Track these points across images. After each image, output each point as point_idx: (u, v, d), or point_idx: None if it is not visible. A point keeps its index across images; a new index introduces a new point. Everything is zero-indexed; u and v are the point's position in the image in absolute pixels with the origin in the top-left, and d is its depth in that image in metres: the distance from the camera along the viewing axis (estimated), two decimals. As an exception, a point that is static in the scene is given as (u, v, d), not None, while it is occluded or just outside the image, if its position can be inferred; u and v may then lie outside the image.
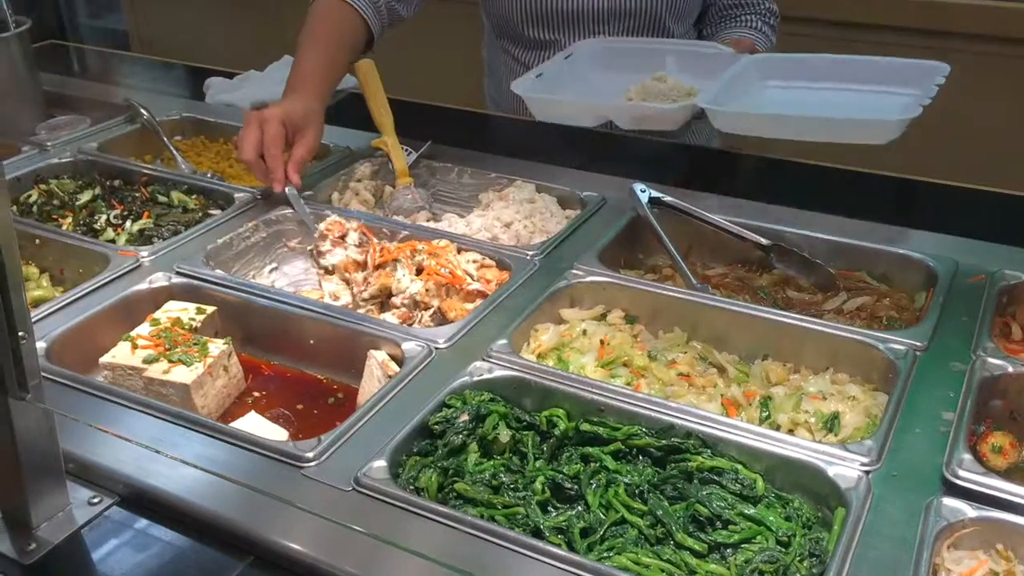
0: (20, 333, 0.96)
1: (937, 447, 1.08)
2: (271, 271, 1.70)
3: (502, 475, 1.10)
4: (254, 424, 1.27)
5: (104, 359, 1.33)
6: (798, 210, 1.65)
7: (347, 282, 1.51)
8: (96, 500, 1.10)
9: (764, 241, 1.56)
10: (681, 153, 2.08)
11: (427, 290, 1.42)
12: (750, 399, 1.26)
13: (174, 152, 2.07)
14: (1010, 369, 1.20)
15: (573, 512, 1.05)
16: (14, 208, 1.82)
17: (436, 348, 1.31)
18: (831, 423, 1.18)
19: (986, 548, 0.98)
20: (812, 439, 1.16)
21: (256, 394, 1.39)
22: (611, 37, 2.06)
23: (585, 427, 1.17)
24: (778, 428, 1.20)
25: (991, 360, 1.21)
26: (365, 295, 1.44)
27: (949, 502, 0.99)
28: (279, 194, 1.70)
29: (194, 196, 1.81)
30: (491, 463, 1.12)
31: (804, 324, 1.34)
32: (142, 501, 1.09)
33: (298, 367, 1.43)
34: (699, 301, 1.42)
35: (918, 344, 1.27)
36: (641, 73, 1.92)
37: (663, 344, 1.40)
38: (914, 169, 1.84)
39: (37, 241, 1.66)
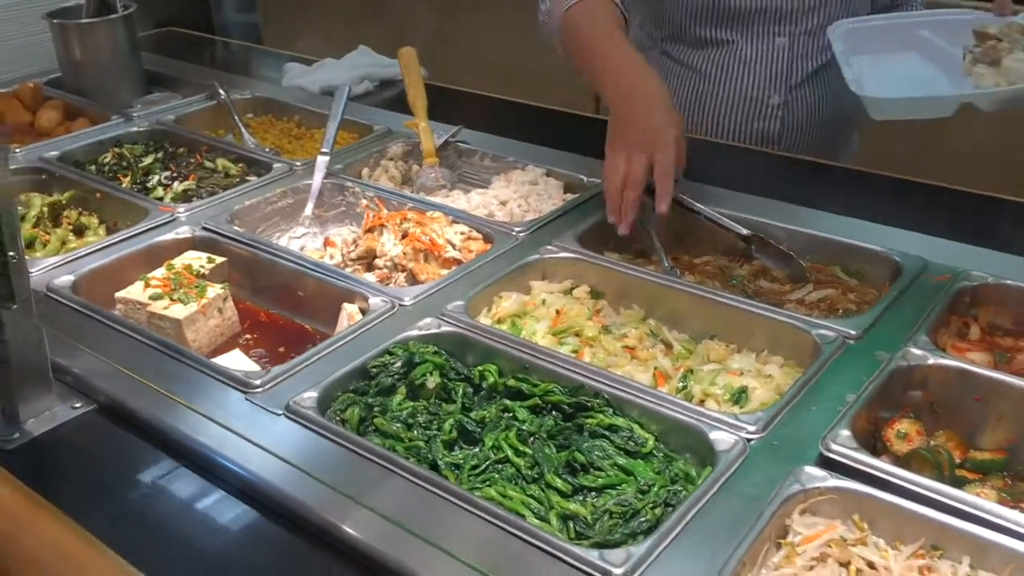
0: (11, 253, 1.15)
1: (826, 424, 1.12)
2: (303, 235, 1.86)
3: (420, 416, 1.21)
4: (234, 360, 1.43)
5: (119, 294, 1.52)
6: (786, 204, 1.68)
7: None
8: (79, 406, 1.28)
9: (744, 232, 1.60)
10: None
11: (405, 253, 1.54)
12: (679, 372, 1.32)
13: (241, 128, 2.27)
14: (930, 361, 1.21)
15: (471, 452, 1.15)
16: (92, 167, 2.06)
17: (400, 304, 1.43)
18: (738, 396, 1.23)
19: (844, 518, 1.02)
20: (719, 410, 1.21)
21: (248, 337, 1.55)
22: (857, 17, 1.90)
23: (511, 383, 1.27)
24: (691, 399, 1.25)
25: (913, 351, 1.23)
26: (352, 255, 1.58)
27: (810, 470, 1.04)
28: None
29: (240, 164, 2.01)
30: (413, 404, 1.23)
31: (748, 308, 1.39)
32: (115, 411, 1.27)
33: (290, 316, 1.59)
34: (658, 282, 1.49)
35: (852, 332, 1.30)
36: (892, 52, 1.78)
37: (620, 320, 1.48)
38: (912, 170, 1.83)
39: (98, 195, 1.89)
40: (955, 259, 1.47)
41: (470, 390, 1.28)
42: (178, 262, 1.59)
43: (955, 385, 1.20)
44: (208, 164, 1.99)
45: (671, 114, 1.54)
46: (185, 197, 1.89)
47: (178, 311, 1.46)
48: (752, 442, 1.11)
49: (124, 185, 1.94)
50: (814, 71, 1.97)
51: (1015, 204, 1.73)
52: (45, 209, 1.86)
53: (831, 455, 1.06)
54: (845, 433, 1.08)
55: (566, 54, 1.76)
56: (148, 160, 2.04)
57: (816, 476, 1.03)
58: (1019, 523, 0.97)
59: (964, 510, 0.99)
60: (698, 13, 1.94)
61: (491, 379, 1.27)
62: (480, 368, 1.30)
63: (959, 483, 1.11)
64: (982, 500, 1.01)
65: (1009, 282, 1.38)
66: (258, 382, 1.25)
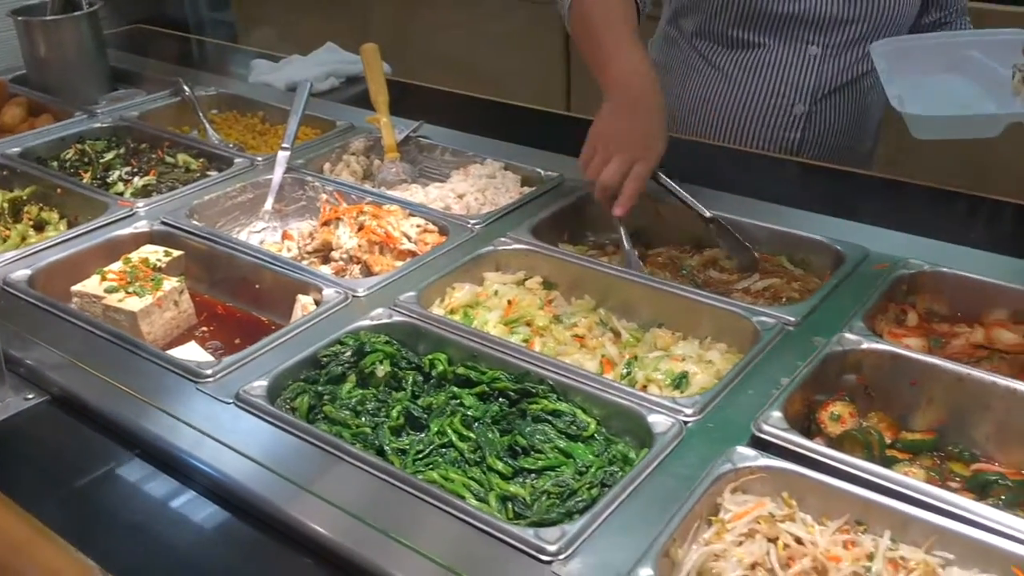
0: (-39, 245, 1.16)
1: (761, 407, 1.15)
2: (263, 230, 1.88)
3: (368, 403, 1.24)
4: (189, 352, 1.45)
5: (75, 287, 1.53)
6: (739, 197, 1.71)
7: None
8: (31, 397, 1.29)
9: (707, 213, 1.62)
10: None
11: (360, 246, 1.56)
12: (624, 359, 1.35)
13: (206, 124, 2.28)
14: (864, 346, 1.25)
15: (417, 437, 1.18)
16: (54, 163, 2.07)
17: (354, 295, 1.46)
18: (679, 381, 1.27)
19: (774, 496, 1.05)
20: (660, 394, 1.24)
21: (204, 329, 1.57)
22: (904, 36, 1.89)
23: (460, 370, 1.29)
24: (634, 384, 1.29)
25: (848, 336, 1.26)
26: (309, 248, 1.60)
27: (742, 450, 1.07)
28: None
29: (201, 160, 2.02)
30: (362, 392, 1.25)
31: (694, 297, 1.42)
32: (68, 402, 1.28)
33: (247, 309, 1.61)
34: (610, 273, 1.52)
35: (791, 319, 1.33)
36: (938, 73, 1.77)
37: (571, 309, 1.50)
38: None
39: (59, 191, 1.90)
40: (896, 248, 1.51)
41: (420, 378, 1.31)
42: (135, 256, 1.61)
43: (888, 369, 1.24)
44: (169, 159, 2.01)
45: (663, 125, 1.57)
46: (145, 192, 1.90)
47: (133, 304, 1.48)
48: (689, 424, 1.14)
49: (84, 181, 1.95)
50: (841, 85, 1.95)
51: (953, 194, 1.77)
52: (5, 205, 1.87)
53: (762, 436, 1.09)
54: (777, 415, 1.11)
55: (575, 39, 1.75)
56: (109, 156, 2.05)
57: (747, 456, 1.06)
58: (941, 499, 1.01)
59: (889, 487, 1.02)
60: (732, 13, 1.91)
61: (440, 367, 1.30)
62: (430, 357, 1.32)
63: (889, 463, 1.15)
64: (905, 477, 1.04)
65: (945, 270, 1.42)
66: (209, 372, 1.27)
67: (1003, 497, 1.10)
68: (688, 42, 2.05)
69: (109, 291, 1.50)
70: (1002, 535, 0.97)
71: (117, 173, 1.96)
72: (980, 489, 1.13)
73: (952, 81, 1.78)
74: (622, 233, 1.59)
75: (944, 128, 1.63)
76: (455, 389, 1.26)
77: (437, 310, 1.47)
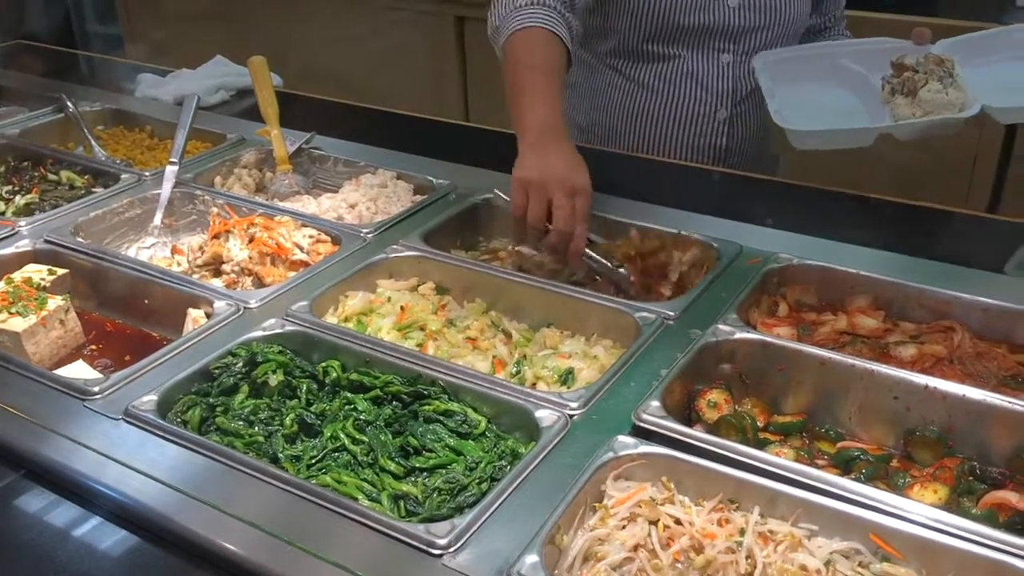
0: None
1: (641, 398, 1.21)
2: (152, 245, 1.86)
3: (262, 412, 1.25)
4: (76, 370, 1.43)
5: (-46, 310, 1.49)
6: (632, 200, 1.78)
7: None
8: (-90, 422, 1.25)
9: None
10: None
11: (251, 258, 1.57)
12: (514, 358, 1.40)
13: (91, 140, 2.24)
14: (736, 336, 1.33)
15: (311, 444, 1.20)
16: (-71, 185, 2.00)
17: (246, 307, 1.46)
18: (566, 377, 1.32)
19: (654, 480, 1.11)
20: (547, 390, 1.29)
21: (93, 347, 1.55)
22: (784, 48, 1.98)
23: (354, 376, 1.32)
24: (524, 382, 1.33)
25: (721, 327, 1.34)
26: (199, 262, 1.60)
27: (623, 439, 1.12)
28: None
29: (86, 176, 1.98)
30: (255, 402, 1.26)
31: (580, 297, 1.48)
32: (-50, 426, 1.25)
33: (137, 325, 1.59)
34: (500, 276, 1.56)
35: (670, 314, 1.40)
36: (815, 80, 1.87)
37: (464, 313, 1.54)
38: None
39: (-66, 212, 1.84)
40: (768, 244, 1.60)
41: (314, 386, 1.32)
42: (17, 276, 1.57)
43: (759, 357, 1.32)
44: (52, 177, 1.97)
45: (582, 165, 1.54)
46: (27, 211, 1.86)
47: (16, 324, 1.45)
48: (574, 417, 1.19)
49: (-38, 200, 1.90)
50: (754, 89, 1.98)
51: (820, 191, 1.88)
52: None
53: (642, 424, 1.15)
54: (655, 404, 1.17)
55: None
56: (-12, 175, 2.00)
57: (628, 444, 1.11)
58: (806, 475, 1.08)
59: (759, 467, 1.09)
60: (644, 30, 1.94)
61: (334, 374, 1.32)
62: (324, 364, 1.34)
63: (762, 445, 1.22)
64: (774, 457, 1.11)
65: (810, 262, 1.51)
66: (96, 389, 1.26)
67: (864, 471, 1.19)
68: (603, 62, 2.05)
69: (-10, 312, 1.47)
70: (862, 505, 1.05)
71: (-4, 192, 1.91)
72: (844, 465, 1.22)
73: (828, 91, 1.88)
74: (596, 262, 1.56)
75: (822, 140, 1.72)
76: (349, 395, 1.28)
77: (331, 318, 1.49)
